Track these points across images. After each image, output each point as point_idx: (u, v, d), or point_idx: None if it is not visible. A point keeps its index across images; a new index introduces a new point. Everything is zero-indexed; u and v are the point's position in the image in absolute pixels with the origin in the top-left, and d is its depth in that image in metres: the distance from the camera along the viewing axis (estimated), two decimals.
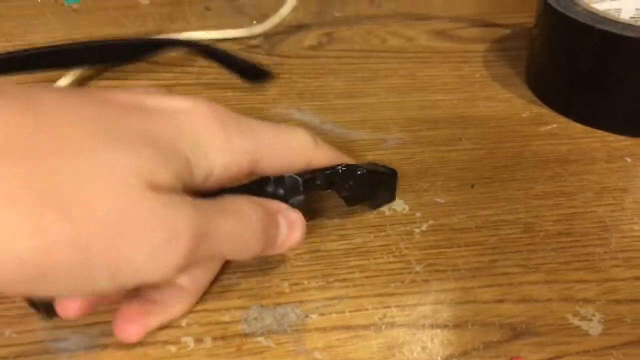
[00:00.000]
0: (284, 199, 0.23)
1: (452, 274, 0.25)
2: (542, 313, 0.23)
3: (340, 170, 0.25)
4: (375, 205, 0.28)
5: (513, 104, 0.35)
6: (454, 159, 0.31)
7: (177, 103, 0.20)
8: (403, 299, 0.24)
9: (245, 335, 0.22)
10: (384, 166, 0.28)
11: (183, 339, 0.22)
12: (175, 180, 0.18)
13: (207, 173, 0.20)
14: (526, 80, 0.37)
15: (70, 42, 0.35)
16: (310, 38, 0.42)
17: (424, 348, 0.22)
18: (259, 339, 0.22)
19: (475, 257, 0.25)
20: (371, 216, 0.27)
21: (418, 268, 0.25)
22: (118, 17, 0.44)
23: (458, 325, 0.23)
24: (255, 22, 0.43)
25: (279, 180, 0.23)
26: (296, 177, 0.23)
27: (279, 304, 0.23)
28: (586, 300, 0.24)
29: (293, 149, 0.23)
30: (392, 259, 0.25)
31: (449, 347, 0.22)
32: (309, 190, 0.23)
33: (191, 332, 0.22)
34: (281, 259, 0.25)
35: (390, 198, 0.28)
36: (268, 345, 0.22)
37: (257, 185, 0.23)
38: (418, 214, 0.27)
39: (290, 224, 0.22)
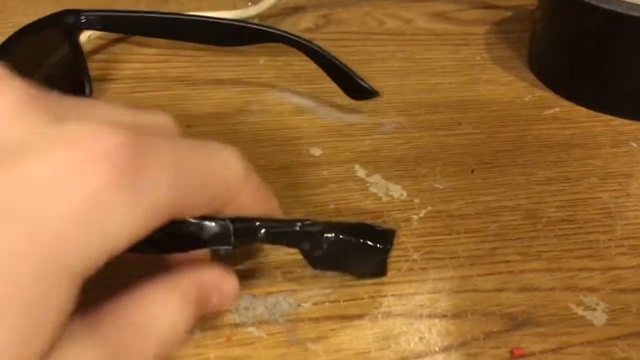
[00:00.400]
0: (205, 245, 0.18)
1: (451, 262, 0.24)
2: (544, 302, 0.22)
3: (297, 228, 0.19)
4: (355, 275, 0.22)
5: (515, 88, 0.34)
6: (454, 143, 0.30)
7: (42, 169, 0.12)
8: (400, 287, 0.23)
9: (236, 325, 0.21)
10: (378, 227, 0.21)
11: None
12: (60, 318, 0.13)
13: (109, 253, 0.13)
14: (528, 63, 0.36)
15: (183, 15, 0.34)
16: (306, 20, 0.41)
17: (421, 338, 0.21)
18: (250, 329, 0.21)
19: (474, 244, 0.25)
20: (368, 202, 0.26)
21: (415, 256, 0.24)
22: None
23: (457, 315, 0.22)
24: (250, 3, 0.42)
25: (202, 225, 0.17)
26: (227, 223, 0.17)
27: (271, 292, 0.22)
28: (590, 289, 0.23)
29: (219, 181, 0.16)
30: None
31: (447, 338, 0.21)
32: (244, 242, 0.18)
33: None
34: (273, 247, 0.24)
35: (378, 272, 0.22)
36: (259, 335, 0.21)
37: (172, 230, 0.16)
38: (416, 200, 0.27)
39: (222, 297, 0.17)
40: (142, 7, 0.42)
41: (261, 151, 0.29)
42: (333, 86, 0.34)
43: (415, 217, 0.26)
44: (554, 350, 0.21)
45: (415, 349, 0.21)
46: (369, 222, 0.21)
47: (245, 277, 0.23)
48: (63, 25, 0.30)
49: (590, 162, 0.29)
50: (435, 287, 0.23)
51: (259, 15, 0.40)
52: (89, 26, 0.31)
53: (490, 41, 0.38)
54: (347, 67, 0.30)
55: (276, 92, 0.34)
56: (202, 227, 0.17)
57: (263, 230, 0.18)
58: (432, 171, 0.28)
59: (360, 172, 0.28)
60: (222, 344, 0.21)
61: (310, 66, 0.36)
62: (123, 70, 0.35)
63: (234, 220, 0.18)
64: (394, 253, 0.24)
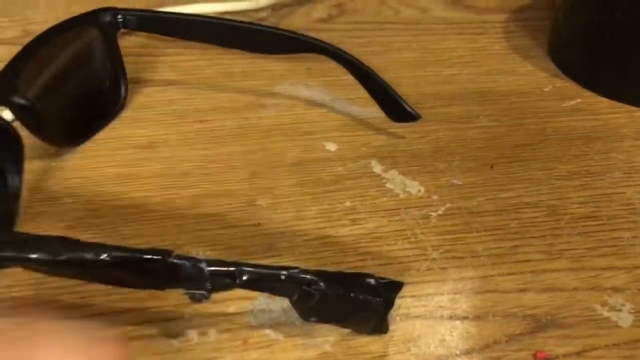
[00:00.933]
0: (179, 285, 0.17)
1: (471, 261, 0.23)
2: (568, 303, 0.22)
3: (283, 277, 0.18)
4: (352, 330, 0.20)
5: (534, 78, 0.33)
6: (472, 137, 0.29)
7: None
8: (419, 288, 0.22)
9: (252, 327, 0.21)
10: (380, 279, 0.19)
11: (186, 332, 0.21)
12: None
13: None
14: (548, 53, 0.35)
15: (229, 19, 0.31)
16: (319, 10, 0.40)
17: (441, 341, 0.21)
18: (267, 331, 0.21)
19: (495, 242, 0.24)
20: (385, 199, 0.26)
21: (434, 255, 0.23)
22: None
23: (478, 316, 0.21)
24: None
25: (176, 265, 0.17)
26: (203, 265, 0.17)
27: None
28: (615, 289, 0.22)
29: None
30: (406, 246, 0.24)
31: (468, 340, 0.21)
32: (221, 288, 0.18)
33: (194, 324, 0.21)
34: (288, 246, 0.24)
35: (376, 329, 0.20)
36: (276, 338, 0.21)
37: (146, 268, 0.17)
38: (434, 197, 0.26)
39: None
40: None
41: (275, 146, 0.29)
42: (346, 79, 0.33)
43: (433, 214, 0.25)
44: (578, 353, 0.20)
45: (436, 352, 0.20)
46: (368, 272, 0.19)
47: None
48: (99, 23, 0.29)
49: (613, 156, 0.28)
50: (456, 288, 0.22)
51: (273, 5, 0.39)
52: (126, 26, 0.30)
53: (508, 30, 0.37)
54: (395, 92, 0.29)
55: (288, 85, 0.33)
56: (176, 267, 0.17)
57: (244, 277, 0.17)
58: (450, 166, 0.27)
59: (377, 168, 0.28)
60: (238, 347, 0.20)
61: (321, 59, 0.35)
62: (133, 64, 0.34)
63: (211, 262, 0.17)
64: (412, 252, 0.24)
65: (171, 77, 0.34)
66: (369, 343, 0.20)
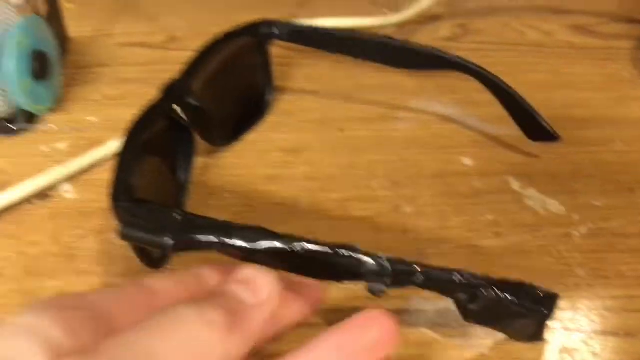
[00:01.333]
0: (359, 278, 0.19)
1: (618, 280, 0.24)
2: None
3: (456, 279, 0.19)
4: (509, 335, 0.22)
5: None
6: (608, 161, 0.30)
7: None
8: (568, 302, 0.23)
9: (410, 325, 0.22)
10: (540, 290, 0.20)
11: None
12: None
13: None
14: None
15: (367, 34, 0.34)
16: (444, 29, 0.41)
17: (594, 354, 0.21)
18: (424, 330, 0.22)
19: None
20: (525, 216, 0.27)
21: (581, 272, 0.24)
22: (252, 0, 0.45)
23: (629, 334, 0.22)
24: (386, 11, 0.43)
25: (361, 260, 0.19)
26: (386, 263, 0.19)
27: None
28: None
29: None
30: (551, 261, 0.25)
31: (621, 356, 0.21)
32: (399, 284, 0.19)
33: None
34: (436, 252, 0.25)
35: (533, 336, 0.20)
36: (434, 337, 0.22)
37: (330, 260, 0.19)
38: (575, 216, 0.27)
39: (248, 285, 0.18)
40: (282, 11, 0.44)
41: (413, 158, 0.30)
42: (476, 97, 0.34)
43: (576, 233, 0.26)
44: None
45: None
46: (529, 283, 0.20)
47: None
48: (258, 34, 0.32)
49: None
50: (604, 305, 0.23)
51: (399, 24, 0.41)
52: (279, 37, 0.32)
53: (637, 57, 0.38)
54: (537, 112, 0.30)
55: (421, 100, 0.34)
56: (360, 262, 0.19)
57: (421, 276, 0.19)
58: (588, 188, 0.28)
59: (514, 185, 0.29)
60: (399, 343, 0.22)
61: (451, 75, 0.36)
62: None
63: (393, 260, 0.19)
64: (558, 268, 0.25)
65: (308, 87, 0.36)
66: (525, 350, 0.22)
